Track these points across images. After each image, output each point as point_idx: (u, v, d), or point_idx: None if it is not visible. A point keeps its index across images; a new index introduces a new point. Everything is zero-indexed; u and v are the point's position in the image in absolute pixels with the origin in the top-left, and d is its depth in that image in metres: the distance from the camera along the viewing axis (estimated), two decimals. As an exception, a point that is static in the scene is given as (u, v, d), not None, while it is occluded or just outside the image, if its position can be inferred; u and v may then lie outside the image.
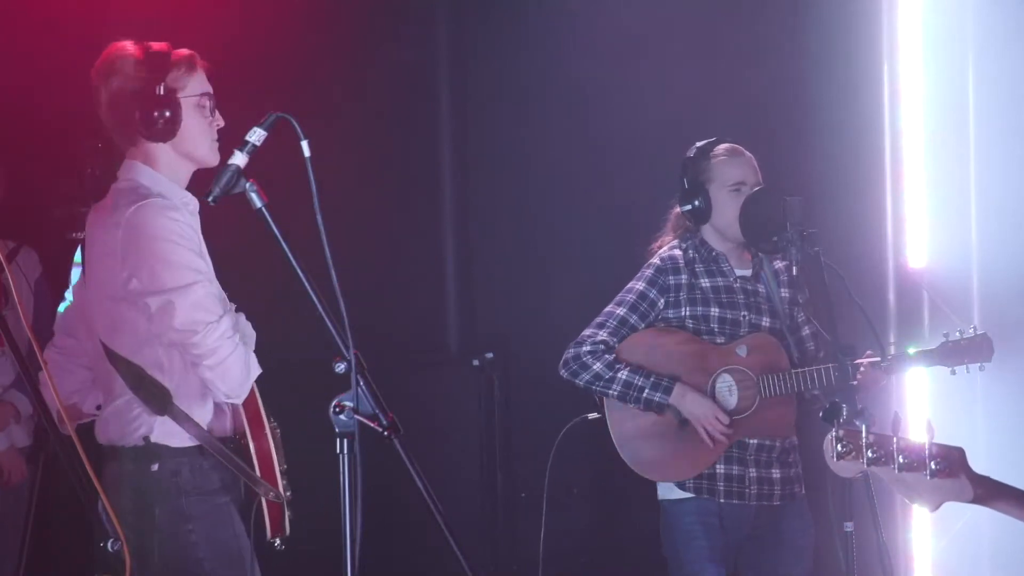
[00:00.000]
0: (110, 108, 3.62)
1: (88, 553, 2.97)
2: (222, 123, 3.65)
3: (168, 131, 3.58)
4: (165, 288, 3.47)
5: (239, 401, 3.56)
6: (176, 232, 3.49)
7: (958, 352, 4.53)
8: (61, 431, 2.94)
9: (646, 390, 4.46)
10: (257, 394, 3.58)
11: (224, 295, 3.57)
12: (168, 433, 3.52)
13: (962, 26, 5.64)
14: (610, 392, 4.50)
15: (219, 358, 3.46)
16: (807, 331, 4.63)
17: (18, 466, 5.18)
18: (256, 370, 3.56)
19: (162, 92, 3.56)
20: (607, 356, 4.51)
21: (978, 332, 4.56)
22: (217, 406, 3.59)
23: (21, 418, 5.16)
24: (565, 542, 5.49)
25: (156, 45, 3.62)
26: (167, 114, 3.56)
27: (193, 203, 3.63)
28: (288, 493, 3.61)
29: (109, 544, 2.81)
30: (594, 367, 4.51)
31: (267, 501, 3.53)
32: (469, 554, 2.99)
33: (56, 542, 5.09)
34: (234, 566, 3.55)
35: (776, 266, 4.61)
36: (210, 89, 3.66)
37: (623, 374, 4.48)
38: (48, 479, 5.12)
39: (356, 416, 2.89)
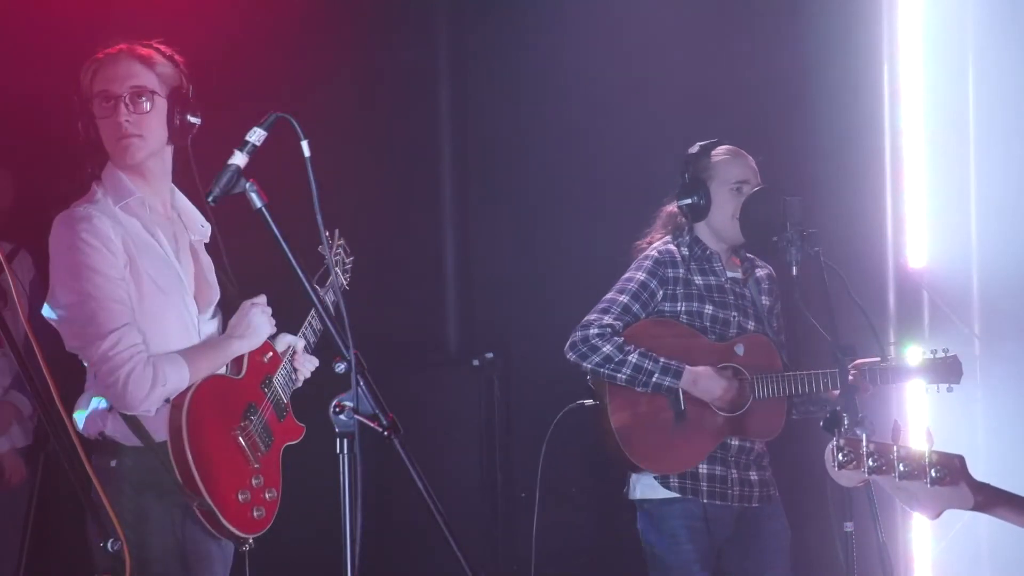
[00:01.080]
0: None
1: (88, 553, 2.97)
2: (127, 116, 3.53)
3: (95, 139, 3.58)
4: (59, 303, 3.48)
5: (136, 413, 3.46)
6: (79, 246, 3.45)
7: (932, 370, 4.56)
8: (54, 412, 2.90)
9: (656, 374, 4.44)
10: (184, 407, 3.45)
11: (126, 307, 3.48)
12: (118, 429, 3.50)
13: (962, 26, 5.64)
14: (619, 375, 4.46)
15: (106, 371, 3.43)
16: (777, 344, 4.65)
17: (18, 467, 5.18)
18: (176, 383, 3.48)
19: (77, 101, 3.59)
20: (616, 339, 4.47)
21: (948, 354, 4.57)
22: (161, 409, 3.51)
23: (23, 418, 5.17)
24: (564, 542, 5.49)
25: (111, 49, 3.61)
26: (80, 124, 3.57)
27: (136, 203, 3.58)
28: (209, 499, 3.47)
29: (109, 544, 2.81)
30: (604, 349, 4.46)
31: (200, 510, 3.46)
32: (469, 554, 2.98)
33: (56, 542, 5.09)
34: (185, 569, 3.50)
35: (758, 274, 4.64)
36: (111, 87, 3.55)
37: (633, 357, 4.44)
38: (48, 479, 5.12)
39: (356, 416, 2.88)
